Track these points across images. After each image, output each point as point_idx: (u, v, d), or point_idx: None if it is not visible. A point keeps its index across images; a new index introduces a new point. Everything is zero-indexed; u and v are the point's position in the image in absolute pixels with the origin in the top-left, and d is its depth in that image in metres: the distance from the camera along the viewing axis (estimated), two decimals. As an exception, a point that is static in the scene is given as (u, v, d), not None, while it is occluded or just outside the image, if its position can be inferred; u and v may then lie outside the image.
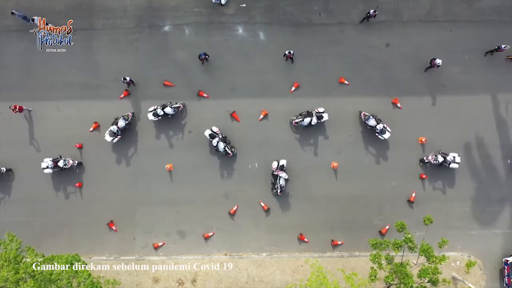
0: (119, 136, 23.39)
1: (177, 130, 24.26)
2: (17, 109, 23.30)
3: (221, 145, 23.01)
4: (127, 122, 23.39)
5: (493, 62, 24.45)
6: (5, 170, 23.59)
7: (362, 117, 23.64)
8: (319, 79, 24.44)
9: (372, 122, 23.13)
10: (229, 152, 23.24)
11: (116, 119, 23.46)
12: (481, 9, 24.85)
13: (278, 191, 23.18)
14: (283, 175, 22.97)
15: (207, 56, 23.84)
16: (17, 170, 24.10)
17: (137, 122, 24.22)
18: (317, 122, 23.29)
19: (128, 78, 23.61)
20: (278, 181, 23.08)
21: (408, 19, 24.83)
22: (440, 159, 22.88)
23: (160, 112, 23.11)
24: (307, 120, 23.08)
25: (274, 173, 23.27)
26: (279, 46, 24.44)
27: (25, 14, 23.95)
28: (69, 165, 23.19)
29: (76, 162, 23.64)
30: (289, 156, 23.96)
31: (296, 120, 23.54)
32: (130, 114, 23.79)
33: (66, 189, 24.08)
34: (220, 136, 23.32)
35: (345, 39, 24.68)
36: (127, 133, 24.03)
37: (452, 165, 22.94)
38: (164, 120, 24.06)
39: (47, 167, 22.92)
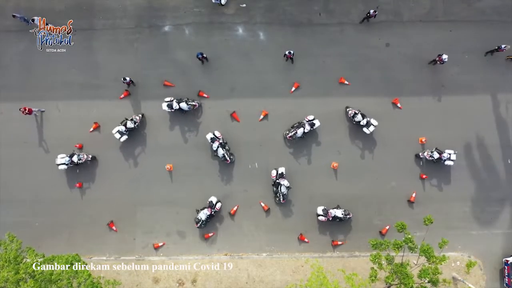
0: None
1: (177, 130, 24.24)
2: (26, 111, 23.24)
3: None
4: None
5: (493, 62, 24.45)
6: (90, 157, 23.60)
7: (291, 139, 23.61)
8: (319, 79, 24.43)
9: (300, 131, 23.04)
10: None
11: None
12: (481, 9, 24.85)
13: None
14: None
15: (204, 56, 23.80)
16: (16, 171, 24.14)
17: (145, 122, 24.17)
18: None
19: (128, 78, 23.60)
20: (279, 189, 23.02)
21: (408, 19, 24.83)
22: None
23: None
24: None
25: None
26: (279, 46, 24.43)
27: (25, 17, 23.95)
28: (135, 123, 23.37)
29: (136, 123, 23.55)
30: (289, 157, 23.97)
31: (290, 134, 23.44)
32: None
33: (66, 190, 24.07)
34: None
35: (345, 39, 24.68)
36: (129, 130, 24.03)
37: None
38: (164, 120, 24.09)
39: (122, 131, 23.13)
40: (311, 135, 24.07)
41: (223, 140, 23.51)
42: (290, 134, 23.47)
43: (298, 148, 24.04)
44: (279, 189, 23.05)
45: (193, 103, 23.58)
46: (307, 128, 23.02)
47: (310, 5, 24.89)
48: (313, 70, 24.46)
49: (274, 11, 24.92)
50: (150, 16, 24.89)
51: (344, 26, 24.80)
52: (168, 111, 23.61)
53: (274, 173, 23.18)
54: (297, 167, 24.04)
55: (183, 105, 23.14)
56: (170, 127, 24.25)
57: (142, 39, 24.75)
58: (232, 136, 24.16)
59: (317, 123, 23.23)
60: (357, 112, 23.23)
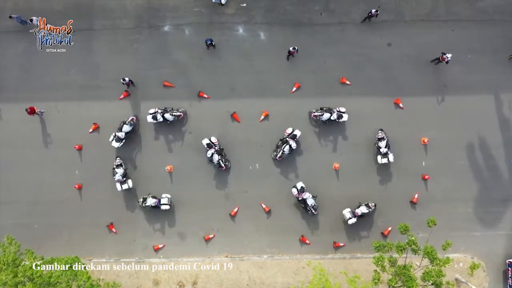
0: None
1: (178, 131, 24.07)
2: (29, 111, 23.03)
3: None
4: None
5: (496, 62, 24.25)
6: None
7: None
8: (320, 79, 24.26)
9: (326, 116, 22.97)
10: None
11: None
12: (483, 8, 24.67)
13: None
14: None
15: (212, 42, 23.62)
16: (15, 172, 23.96)
17: (139, 124, 24.00)
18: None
19: (127, 79, 23.44)
20: (283, 147, 22.88)
21: (409, 18, 24.66)
22: (326, 116, 22.93)
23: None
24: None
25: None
26: (280, 46, 24.27)
27: (21, 17, 23.76)
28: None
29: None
30: (290, 157, 23.76)
31: (316, 114, 23.28)
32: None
33: (65, 191, 23.90)
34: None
35: (346, 39, 24.51)
36: (127, 134, 23.84)
37: (341, 120, 23.02)
38: (165, 121, 23.92)
39: None
40: (312, 134, 23.92)
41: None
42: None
43: (299, 148, 23.85)
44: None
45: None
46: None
47: (311, 5, 24.73)
48: (314, 70, 24.29)
49: (274, 11, 24.77)
50: (150, 16, 24.73)
51: (345, 26, 24.63)
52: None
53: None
54: (298, 168, 23.84)
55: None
56: (171, 128, 24.05)
57: (142, 39, 24.60)
58: (232, 137, 23.99)
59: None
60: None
